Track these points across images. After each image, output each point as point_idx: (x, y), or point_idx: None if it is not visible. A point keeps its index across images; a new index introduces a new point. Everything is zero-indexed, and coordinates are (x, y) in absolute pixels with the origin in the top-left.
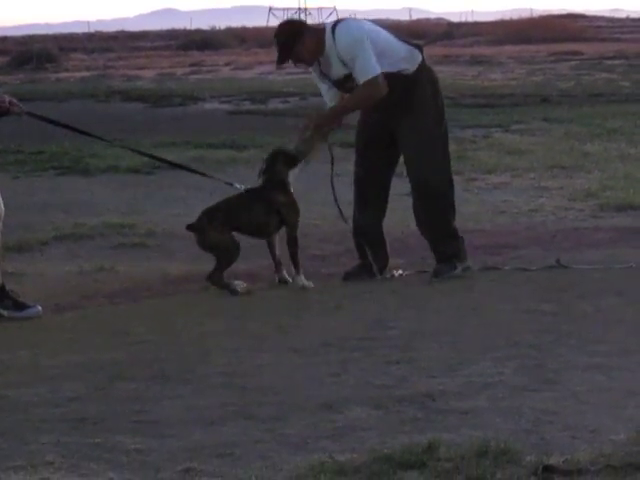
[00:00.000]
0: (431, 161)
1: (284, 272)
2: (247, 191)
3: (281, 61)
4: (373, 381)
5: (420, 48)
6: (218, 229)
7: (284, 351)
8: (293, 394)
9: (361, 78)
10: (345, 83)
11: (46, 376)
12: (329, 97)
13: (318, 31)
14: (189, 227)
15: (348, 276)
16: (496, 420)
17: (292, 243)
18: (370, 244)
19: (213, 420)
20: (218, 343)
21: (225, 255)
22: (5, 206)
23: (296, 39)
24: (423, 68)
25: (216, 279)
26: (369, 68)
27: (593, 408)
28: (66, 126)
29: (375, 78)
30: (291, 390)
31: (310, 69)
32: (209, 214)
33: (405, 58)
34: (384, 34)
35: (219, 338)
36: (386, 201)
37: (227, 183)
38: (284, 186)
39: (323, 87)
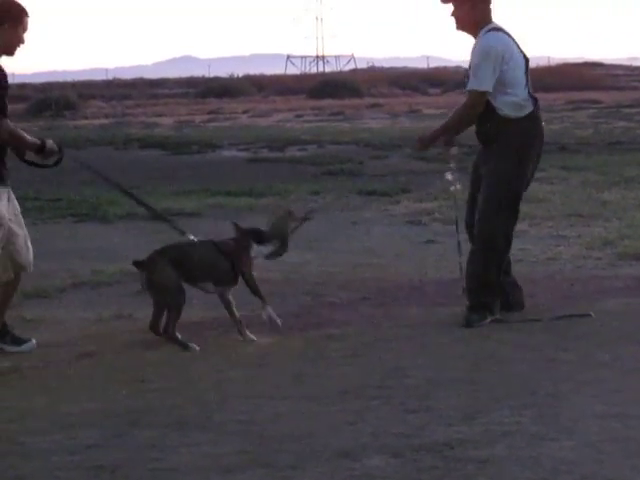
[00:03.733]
0: (496, 215)
1: (247, 332)
2: (200, 242)
3: (448, 0)
4: (391, 429)
5: (536, 101)
6: (167, 269)
7: (301, 399)
8: (310, 442)
9: (470, 85)
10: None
11: (63, 423)
12: None
13: (487, 16)
14: (136, 264)
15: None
16: (514, 469)
17: (250, 283)
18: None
19: (230, 468)
20: (235, 391)
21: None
22: None
23: (477, 0)
24: (525, 120)
25: (170, 333)
26: (481, 80)
27: (611, 457)
28: (117, 186)
29: (479, 92)
30: (308, 438)
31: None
32: (159, 253)
33: (515, 103)
34: (520, 72)
35: (236, 385)
36: None
37: (180, 231)
38: (243, 247)
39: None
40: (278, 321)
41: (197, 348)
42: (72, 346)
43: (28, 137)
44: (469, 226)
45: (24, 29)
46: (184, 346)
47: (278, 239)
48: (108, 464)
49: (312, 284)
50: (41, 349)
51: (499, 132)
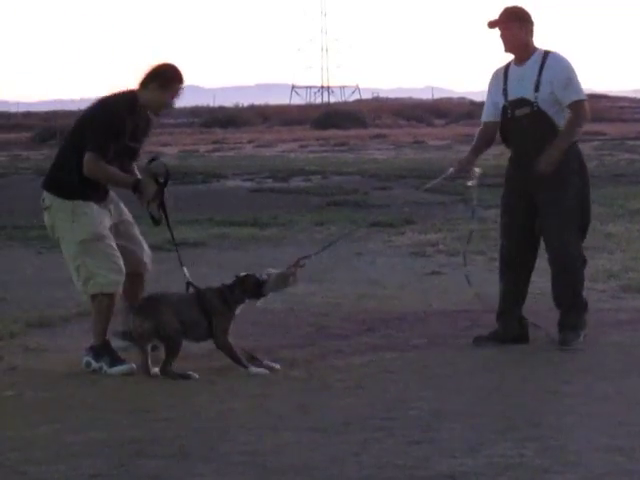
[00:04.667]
0: (569, 236)
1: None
2: (188, 284)
3: (496, 24)
4: (394, 461)
5: None
6: (169, 313)
7: (305, 430)
8: (314, 473)
9: (576, 96)
10: (513, 108)
11: (67, 453)
12: (487, 114)
13: (532, 38)
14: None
15: (478, 341)
16: None
17: (224, 349)
18: (507, 311)
19: None
20: (239, 421)
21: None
22: (28, 282)
23: (524, 21)
24: (575, 144)
25: (169, 371)
26: (580, 90)
27: None
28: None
29: (585, 101)
30: (312, 469)
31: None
32: (157, 298)
33: None
34: None
35: (240, 416)
36: (529, 271)
37: (180, 262)
38: (226, 301)
39: (491, 101)
40: (266, 371)
41: (197, 376)
42: (75, 376)
43: (121, 175)
44: (512, 258)
45: (172, 95)
46: (184, 377)
47: (273, 291)
48: None
49: (316, 315)
50: (44, 378)
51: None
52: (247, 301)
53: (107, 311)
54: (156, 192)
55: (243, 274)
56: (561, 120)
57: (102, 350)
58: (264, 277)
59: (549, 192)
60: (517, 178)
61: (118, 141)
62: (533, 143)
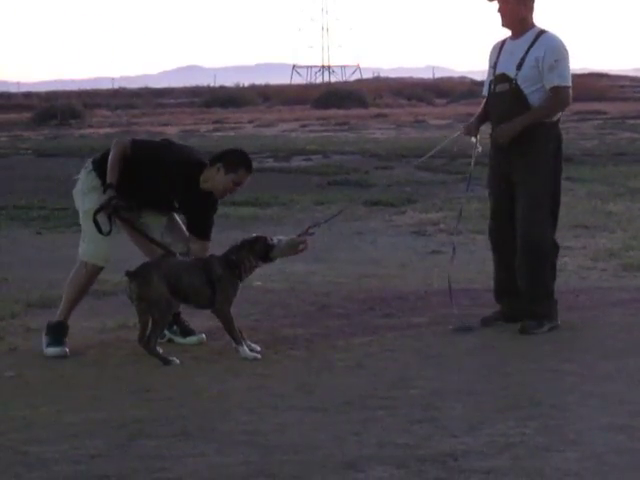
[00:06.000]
0: (538, 218)
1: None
2: (192, 262)
3: None
4: (395, 440)
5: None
6: (158, 283)
7: (306, 409)
8: (315, 453)
9: (559, 81)
10: (496, 83)
11: (68, 433)
12: (486, 88)
13: (531, 14)
14: (129, 274)
15: (486, 321)
16: None
17: (221, 317)
18: (504, 293)
19: (235, 478)
20: (240, 401)
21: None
22: (29, 262)
23: None
24: (556, 125)
25: (152, 347)
26: (568, 76)
27: (615, 469)
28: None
29: (569, 88)
30: (313, 449)
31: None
32: (152, 266)
33: None
34: None
35: (241, 396)
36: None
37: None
38: (233, 266)
39: (488, 76)
40: (257, 356)
41: (177, 361)
42: (77, 355)
43: (112, 173)
44: (500, 239)
45: (235, 181)
46: (165, 361)
47: (281, 256)
48: (113, 474)
49: (317, 294)
50: (45, 358)
51: (535, 136)
52: (258, 264)
53: (78, 281)
54: (107, 202)
55: (253, 235)
56: (536, 101)
57: (52, 328)
58: (274, 241)
59: (522, 173)
60: (495, 158)
61: (151, 161)
62: (506, 121)
